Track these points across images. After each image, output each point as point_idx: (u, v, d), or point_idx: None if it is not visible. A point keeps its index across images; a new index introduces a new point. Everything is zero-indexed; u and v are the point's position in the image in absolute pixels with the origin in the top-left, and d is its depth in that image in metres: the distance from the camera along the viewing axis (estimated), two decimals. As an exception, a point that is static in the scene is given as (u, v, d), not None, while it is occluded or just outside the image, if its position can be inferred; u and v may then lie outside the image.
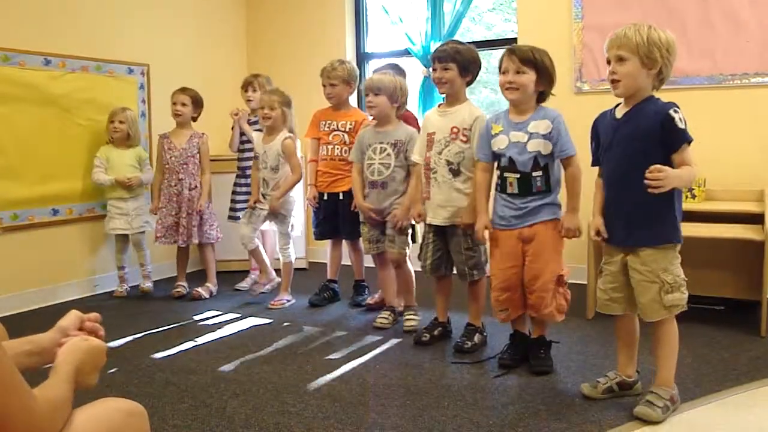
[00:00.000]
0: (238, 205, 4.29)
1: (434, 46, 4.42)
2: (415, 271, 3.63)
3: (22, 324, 3.49)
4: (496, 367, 2.73)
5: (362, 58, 5.05)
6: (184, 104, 4.09)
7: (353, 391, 2.51)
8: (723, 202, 3.50)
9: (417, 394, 2.46)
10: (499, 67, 2.65)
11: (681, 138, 2.11)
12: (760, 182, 3.50)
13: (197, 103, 4.15)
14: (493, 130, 2.69)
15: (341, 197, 3.73)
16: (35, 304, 3.88)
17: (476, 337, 2.98)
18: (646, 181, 2.03)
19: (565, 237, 2.60)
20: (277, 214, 3.79)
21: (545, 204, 2.61)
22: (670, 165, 2.10)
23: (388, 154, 3.30)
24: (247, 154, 4.23)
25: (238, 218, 4.30)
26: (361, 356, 2.92)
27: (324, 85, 3.77)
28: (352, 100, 3.95)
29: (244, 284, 4.33)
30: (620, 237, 2.26)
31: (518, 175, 2.61)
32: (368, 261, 3.81)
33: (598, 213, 2.34)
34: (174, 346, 3.11)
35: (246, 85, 4.24)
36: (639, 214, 2.19)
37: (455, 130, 2.90)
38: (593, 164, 2.40)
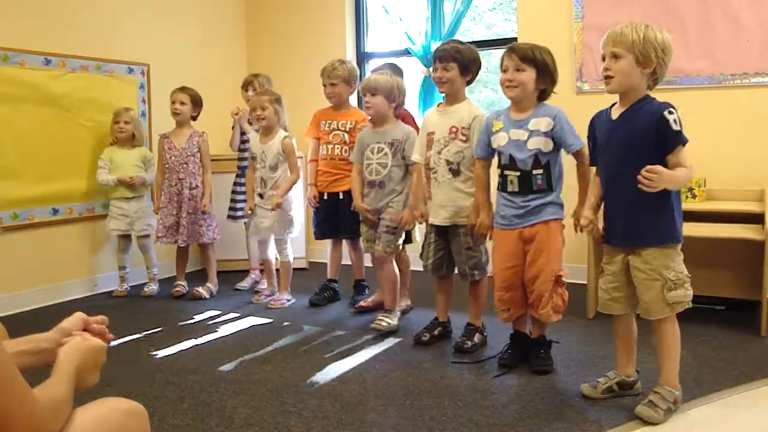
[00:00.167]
0: (238, 205, 4.30)
1: (434, 45, 4.43)
2: (414, 271, 3.64)
3: (22, 324, 3.49)
4: (496, 366, 2.73)
5: (362, 57, 5.05)
6: (182, 103, 4.09)
7: (353, 391, 2.51)
8: (723, 201, 3.50)
9: (417, 394, 2.46)
10: (501, 66, 2.66)
11: (675, 140, 2.10)
12: (761, 182, 3.50)
13: (196, 102, 4.15)
14: (493, 127, 2.69)
15: (341, 197, 3.73)
16: (35, 304, 3.88)
17: (476, 337, 2.98)
18: (639, 179, 2.03)
19: (581, 229, 2.49)
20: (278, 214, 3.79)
21: (547, 203, 2.60)
22: (666, 166, 2.10)
23: (385, 154, 3.30)
24: (247, 154, 4.23)
25: (237, 217, 4.31)
26: (361, 356, 2.92)
27: (324, 85, 3.77)
28: (353, 99, 3.95)
29: (244, 284, 4.33)
30: (619, 238, 2.26)
31: (518, 173, 2.61)
32: (368, 260, 3.81)
33: (589, 207, 2.35)
34: (174, 346, 3.11)
35: (246, 85, 4.24)
36: (637, 215, 2.19)
37: (454, 129, 2.90)
38: (590, 164, 2.40)
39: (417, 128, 3.34)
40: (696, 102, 3.67)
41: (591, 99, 3.77)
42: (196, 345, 3.14)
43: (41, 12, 3.92)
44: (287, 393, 2.50)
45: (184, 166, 4.08)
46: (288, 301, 3.88)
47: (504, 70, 2.61)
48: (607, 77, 2.19)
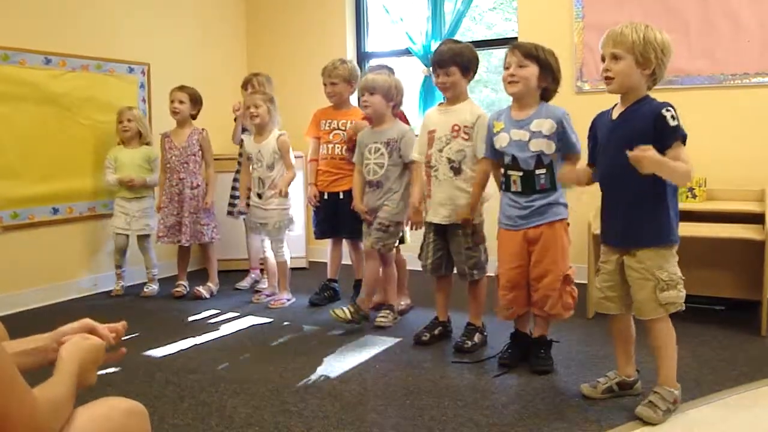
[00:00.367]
0: (237, 201, 4.29)
1: (435, 45, 4.42)
2: (413, 271, 3.64)
3: (22, 323, 3.49)
4: (497, 366, 2.73)
5: (363, 57, 5.05)
6: (181, 101, 4.09)
7: (353, 391, 2.51)
8: (723, 201, 3.50)
9: (417, 394, 2.46)
10: (504, 64, 2.66)
11: (673, 135, 2.08)
12: (761, 182, 3.50)
13: (195, 100, 4.15)
14: (494, 128, 2.69)
15: (341, 197, 3.73)
16: (35, 303, 3.88)
17: (476, 337, 2.98)
18: (628, 153, 2.01)
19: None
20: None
21: (551, 203, 2.60)
22: None
23: (382, 154, 3.31)
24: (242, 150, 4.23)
25: (236, 213, 4.30)
26: (361, 356, 2.92)
27: (325, 84, 3.78)
28: (353, 99, 3.94)
29: (244, 283, 4.33)
30: (617, 238, 2.26)
31: (521, 173, 2.61)
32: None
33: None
34: (174, 346, 3.11)
35: (246, 84, 4.24)
36: (634, 215, 2.19)
37: (456, 127, 2.90)
38: (588, 163, 2.39)
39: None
40: (696, 102, 3.67)
41: (591, 99, 3.77)
42: (196, 345, 3.14)
43: (41, 11, 3.92)
44: (287, 393, 2.50)
45: (185, 165, 4.08)
46: (288, 300, 3.88)
47: (507, 67, 2.62)
48: (607, 78, 2.19)
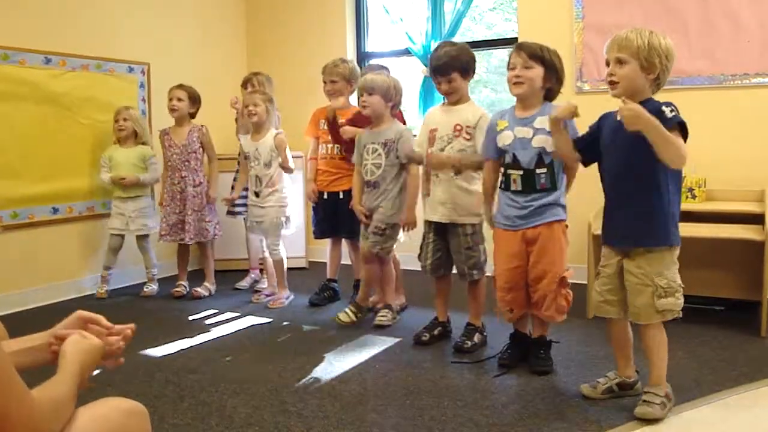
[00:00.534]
0: (238, 201, 4.29)
1: (434, 45, 4.42)
2: (412, 270, 3.63)
3: (22, 323, 3.49)
4: (496, 366, 2.73)
5: (363, 57, 5.05)
6: (180, 99, 4.08)
7: (353, 391, 2.51)
8: (723, 202, 3.50)
9: (417, 394, 2.46)
10: (508, 64, 2.66)
11: (669, 121, 2.06)
12: (761, 182, 3.50)
13: (194, 99, 4.14)
14: (498, 126, 2.69)
15: (341, 196, 3.73)
16: (35, 303, 3.88)
17: (476, 337, 2.98)
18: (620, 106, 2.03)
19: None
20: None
21: (550, 204, 2.60)
22: (665, 169, 2.12)
23: (379, 155, 3.31)
24: None
25: (237, 213, 4.31)
26: (361, 356, 2.92)
27: (325, 82, 3.78)
28: (353, 100, 3.94)
29: (243, 283, 4.33)
30: (617, 238, 2.26)
31: (522, 172, 2.60)
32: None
33: None
34: (174, 345, 3.11)
35: (246, 83, 4.24)
36: (636, 215, 2.19)
37: (458, 127, 2.90)
38: (576, 147, 2.36)
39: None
40: (696, 102, 3.66)
41: (591, 99, 3.76)
42: (196, 344, 3.14)
43: (41, 11, 3.92)
44: (287, 393, 2.50)
45: (186, 163, 4.08)
46: (287, 298, 3.88)
47: (512, 68, 2.61)
48: (611, 83, 2.18)
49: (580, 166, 2.50)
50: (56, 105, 3.99)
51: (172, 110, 4.09)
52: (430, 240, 3.04)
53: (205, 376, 2.70)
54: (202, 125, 4.15)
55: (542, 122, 2.57)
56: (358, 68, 3.88)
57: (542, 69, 2.58)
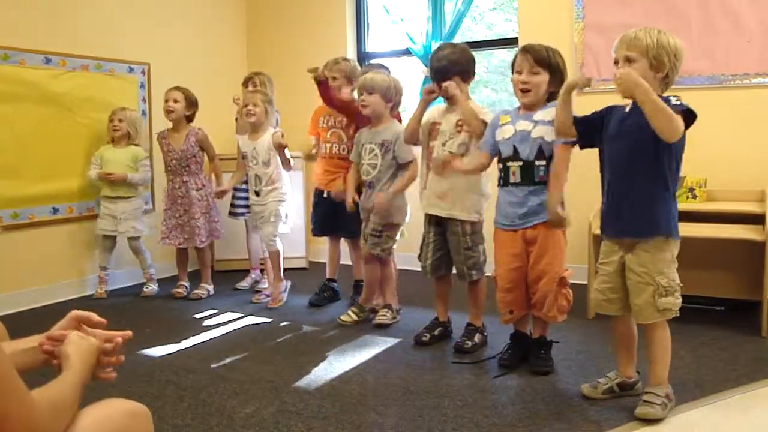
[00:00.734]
0: (239, 202, 4.30)
1: (435, 45, 4.42)
2: (412, 271, 3.63)
3: (22, 323, 3.49)
4: (497, 367, 2.73)
5: (363, 57, 5.04)
6: (176, 100, 4.07)
7: (353, 391, 2.51)
8: (724, 202, 3.50)
9: (417, 394, 2.46)
10: (512, 66, 2.68)
11: (674, 107, 2.07)
12: (761, 182, 3.50)
13: (190, 101, 4.12)
14: (501, 121, 2.72)
15: None
16: (35, 303, 3.88)
17: (476, 337, 2.98)
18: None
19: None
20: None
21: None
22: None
23: (376, 155, 3.31)
24: None
25: (238, 214, 4.31)
26: (361, 356, 2.92)
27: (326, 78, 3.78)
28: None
29: (244, 283, 4.33)
30: (619, 229, 2.26)
31: (521, 163, 2.62)
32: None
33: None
34: (174, 346, 3.11)
35: (246, 81, 4.23)
36: (637, 204, 2.19)
37: (461, 122, 2.90)
38: (574, 122, 2.34)
39: None
40: (696, 102, 3.58)
41: (591, 99, 3.73)
42: (196, 344, 3.14)
43: (41, 11, 3.92)
44: (287, 393, 2.50)
45: (187, 168, 4.07)
46: (284, 290, 3.87)
47: (518, 72, 2.62)
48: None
49: (574, 164, 2.49)
50: (56, 105, 3.99)
51: (168, 112, 4.08)
52: (430, 240, 3.04)
53: (205, 376, 2.70)
54: (199, 128, 4.13)
55: (542, 115, 2.60)
56: (359, 68, 3.88)
57: (548, 74, 2.60)
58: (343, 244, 3.98)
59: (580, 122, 2.35)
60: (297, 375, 2.69)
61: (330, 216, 3.82)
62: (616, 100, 2.28)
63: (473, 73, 2.98)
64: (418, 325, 3.18)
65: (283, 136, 3.75)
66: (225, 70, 5.11)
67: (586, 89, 2.36)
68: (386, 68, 3.78)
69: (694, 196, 3.48)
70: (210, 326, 3.46)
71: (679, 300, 2.21)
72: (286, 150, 3.75)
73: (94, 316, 1.31)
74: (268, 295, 3.95)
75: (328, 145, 3.79)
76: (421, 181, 3.07)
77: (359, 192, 3.50)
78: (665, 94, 2.19)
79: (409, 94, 3.55)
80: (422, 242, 3.10)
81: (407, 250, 3.66)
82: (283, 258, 3.91)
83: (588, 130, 2.34)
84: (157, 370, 2.77)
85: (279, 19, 5.27)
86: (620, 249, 2.27)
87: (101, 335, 1.29)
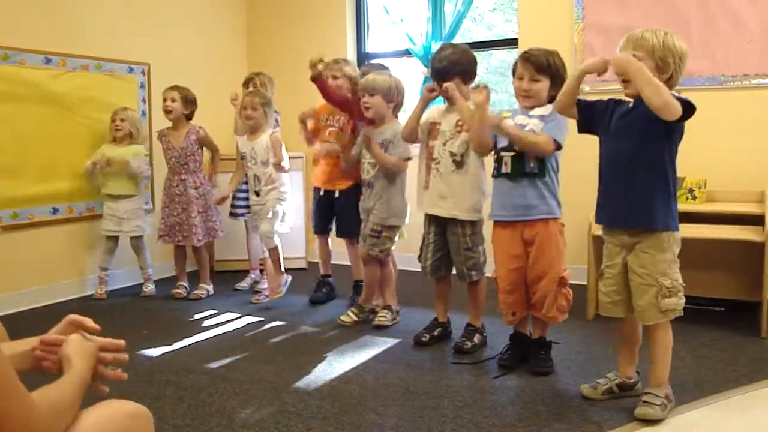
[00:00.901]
0: (239, 203, 4.31)
1: (435, 46, 4.42)
2: (412, 271, 3.63)
3: (21, 323, 3.49)
4: (496, 367, 2.73)
5: (363, 58, 5.04)
6: (173, 100, 4.07)
7: (353, 391, 2.51)
8: (723, 203, 3.50)
9: (416, 395, 2.46)
10: (513, 71, 2.69)
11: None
12: (761, 183, 3.50)
13: (188, 100, 4.11)
14: (502, 114, 2.73)
15: (337, 195, 3.76)
16: (35, 303, 3.88)
17: (476, 338, 2.98)
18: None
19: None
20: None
21: (542, 197, 2.62)
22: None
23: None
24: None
25: (239, 215, 4.31)
26: (361, 356, 2.92)
27: (326, 77, 3.78)
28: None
29: (243, 284, 4.33)
30: (619, 218, 2.25)
31: (512, 154, 2.64)
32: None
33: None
34: (174, 346, 3.11)
35: (247, 82, 4.24)
36: (637, 196, 2.19)
37: (461, 122, 2.91)
38: (577, 101, 2.35)
39: None
40: (696, 103, 3.64)
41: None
42: (195, 345, 3.14)
43: (41, 11, 3.92)
44: (287, 393, 2.50)
45: (185, 166, 4.07)
46: (286, 282, 3.88)
47: (519, 78, 2.64)
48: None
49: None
50: (56, 105, 3.99)
51: (166, 111, 4.09)
52: (430, 240, 3.04)
53: (205, 376, 2.70)
54: (200, 127, 4.14)
55: (540, 111, 2.63)
56: (357, 70, 3.89)
57: (549, 81, 2.62)
58: (340, 244, 3.97)
59: (584, 106, 2.36)
60: (297, 375, 2.69)
61: (325, 214, 3.83)
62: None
63: (474, 74, 2.99)
64: (417, 326, 3.18)
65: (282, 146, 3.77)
66: (225, 70, 5.11)
67: (586, 89, 2.35)
68: (386, 68, 3.78)
69: (694, 197, 3.48)
70: (210, 326, 3.46)
71: (683, 300, 2.21)
72: (283, 150, 3.76)
73: (89, 322, 1.29)
74: (267, 296, 3.95)
75: (326, 144, 3.80)
76: (420, 180, 3.07)
77: (358, 192, 3.51)
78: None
79: (409, 94, 3.54)
80: (422, 243, 3.10)
81: (407, 251, 3.66)
82: (283, 255, 3.91)
83: (589, 116, 2.34)
84: (157, 371, 2.77)
85: (279, 19, 5.27)
86: (622, 250, 2.27)
87: (97, 342, 1.29)
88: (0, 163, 3.73)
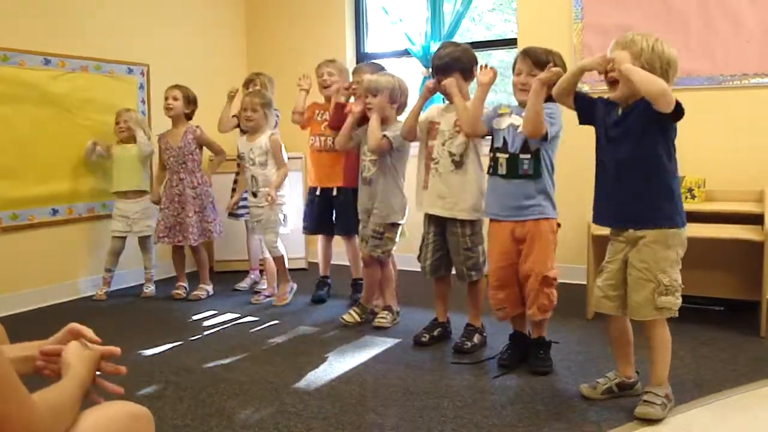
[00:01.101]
0: (239, 203, 4.30)
1: (434, 46, 4.42)
2: (412, 271, 3.64)
3: (21, 324, 3.49)
4: (496, 367, 2.73)
5: (362, 58, 5.04)
6: (175, 98, 4.08)
7: (353, 392, 2.51)
8: (723, 202, 3.50)
9: (416, 395, 2.46)
10: (513, 68, 2.70)
11: None
12: (760, 182, 3.50)
13: (189, 99, 4.12)
14: (500, 110, 2.75)
15: (335, 193, 3.77)
16: (35, 304, 3.88)
17: (476, 338, 2.98)
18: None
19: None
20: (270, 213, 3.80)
21: (535, 196, 2.63)
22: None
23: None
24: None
25: (239, 215, 4.31)
26: (360, 356, 2.92)
27: (321, 75, 3.79)
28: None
29: (243, 284, 4.33)
30: (628, 222, 2.24)
31: (508, 156, 2.65)
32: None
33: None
34: (174, 346, 3.11)
35: (248, 83, 4.24)
36: (643, 199, 2.19)
37: (459, 122, 2.91)
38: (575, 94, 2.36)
39: None
40: (696, 102, 3.65)
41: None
42: (195, 345, 3.14)
43: (41, 12, 3.92)
44: (287, 393, 2.50)
45: (183, 165, 4.08)
46: (291, 290, 3.90)
47: (518, 73, 2.65)
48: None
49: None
50: (56, 106, 3.99)
51: (167, 109, 4.09)
52: (429, 240, 3.04)
53: (205, 376, 2.70)
54: (197, 126, 4.13)
55: None
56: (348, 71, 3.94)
57: None
58: (338, 243, 3.97)
59: (583, 101, 2.36)
60: (297, 376, 2.69)
61: (324, 214, 3.83)
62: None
63: (474, 73, 2.99)
64: (417, 326, 3.18)
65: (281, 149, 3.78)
66: (225, 71, 5.11)
67: (585, 88, 2.36)
68: (382, 67, 3.78)
69: (693, 197, 3.49)
70: (210, 327, 3.46)
71: (679, 301, 2.21)
72: (283, 152, 3.77)
73: (90, 333, 1.28)
74: (267, 296, 3.96)
75: (322, 138, 3.81)
76: (419, 180, 3.07)
77: (355, 193, 3.51)
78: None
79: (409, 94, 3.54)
80: (422, 243, 3.10)
81: (407, 251, 3.66)
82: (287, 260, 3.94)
83: (589, 111, 2.35)
84: (157, 371, 2.77)
85: (278, 20, 5.27)
86: (626, 246, 2.26)
87: (97, 350, 1.29)
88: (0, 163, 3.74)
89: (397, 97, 3.31)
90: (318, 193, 3.85)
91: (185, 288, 4.14)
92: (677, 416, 2.22)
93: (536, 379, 2.60)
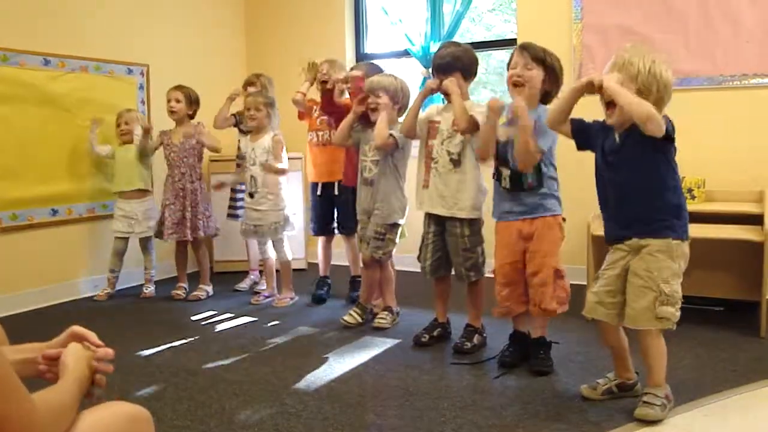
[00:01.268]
0: (238, 203, 4.31)
1: (434, 46, 4.42)
2: (412, 272, 3.64)
3: (21, 325, 3.49)
4: (496, 368, 2.73)
5: (362, 58, 5.04)
6: (177, 100, 4.08)
7: (352, 392, 2.51)
8: (722, 203, 3.50)
9: (416, 395, 2.46)
10: (508, 64, 2.69)
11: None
12: (760, 183, 3.50)
13: (191, 100, 4.13)
14: (501, 120, 2.73)
15: (336, 191, 3.76)
16: (35, 305, 3.88)
17: (476, 338, 2.98)
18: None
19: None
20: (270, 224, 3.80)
21: (541, 200, 2.64)
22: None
23: (376, 153, 3.31)
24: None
25: (237, 216, 4.31)
26: (360, 357, 2.92)
27: (322, 70, 3.80)
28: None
29: (243, 285, 4.33)
30: (625, 232, 2.24)
31: (509, 172, 2.65)
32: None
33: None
34: (173, 346, 3.11)
35: (248, 84, 4.24)
36: (647, 218, 2.19)
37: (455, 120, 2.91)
38: (572, 120, 2.35)
39: None
40: (696, 103, 3.67)
41: (590, 100, 3.73)
42: (195, 345, 3.14)
43: (41, 12, 3.92)
44: (286, 394, 2.50)
45: (185, 159, 4.08)
46: (292, 299, 3.89)
47: (513, 67, 2.64)
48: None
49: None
50: (55, 106, 3.99)
51: (170, 112, 4.09)
52: (429, 241, 3.04)
53: (205, 377, 2.70)
54: (198, 122, 4.13)
55: (530, 117, 2.58)
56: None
57: (543, 72, 2.61)
58: (337, 242, 3.97)
59: (578, 129, 2.35)
60: (296, 376, 2.69)
61: (327, 213, 3.83)
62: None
63: (474, 73, 3.00)
64: (417, 326, 3.18)
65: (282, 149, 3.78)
66: (224, 71, 5.11)
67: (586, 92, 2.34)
68: (379, 68, 3.78)
69: (693, 197, 3.49)
70: (209, 327, 3.46)
71: (679, 313, 2.19)
72: (284, 153, 3.77)
73: (93, 337, 1.27)
74: (267, 297, 3.96)
75: (321, 133, 3.83)
76: (419, 179, 3.07)
77: (355, 192, 3.51)
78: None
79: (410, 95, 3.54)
80: (421, 243, 3.10)
81: (407, 251, 3.66)
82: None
83: (586, 135, 2.34)
84: (157, 372, 2.77)
85: (278, 20, 5.27)
86: (628, 254, 2.25)
87: (98, 353, 1.29)
88: (-1, 164, 3.74)
89: (399, 98, 3.31)
90: (319, 192, 3.85)
91: (185, 288, 4.14)
92: (677, 417, 2.22)
93: (536, 379, 2.60)
